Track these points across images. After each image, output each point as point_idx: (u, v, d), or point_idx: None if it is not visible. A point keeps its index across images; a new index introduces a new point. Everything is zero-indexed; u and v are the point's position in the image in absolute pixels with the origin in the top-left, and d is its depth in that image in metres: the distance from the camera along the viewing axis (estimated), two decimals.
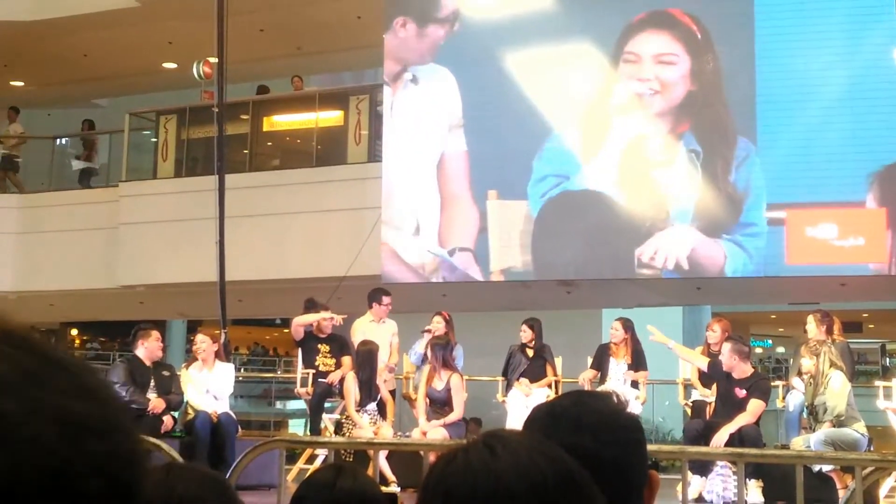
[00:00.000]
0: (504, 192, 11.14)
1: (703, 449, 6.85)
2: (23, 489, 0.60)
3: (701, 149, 10.45)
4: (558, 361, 9.33)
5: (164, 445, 5.15)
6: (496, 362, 9.54)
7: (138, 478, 0.66)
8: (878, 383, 9.68)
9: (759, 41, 10.37)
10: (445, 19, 11.57)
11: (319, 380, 8.83)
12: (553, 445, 1.09)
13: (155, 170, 13.78)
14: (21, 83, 17.00)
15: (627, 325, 9.05)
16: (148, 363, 7.87)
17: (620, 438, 1.35)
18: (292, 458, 8.52)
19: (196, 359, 8.25)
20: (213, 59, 10.70)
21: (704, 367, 8.07)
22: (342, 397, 8.52)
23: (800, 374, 7.99)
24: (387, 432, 8.16)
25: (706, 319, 10.42)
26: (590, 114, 10.94)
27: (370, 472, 5.15)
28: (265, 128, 14.01)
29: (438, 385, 8.28)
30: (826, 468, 7.06)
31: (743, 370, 7.53)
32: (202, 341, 8.28)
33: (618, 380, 8.85)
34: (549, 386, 9.14)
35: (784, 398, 8.67)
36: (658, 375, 9.91)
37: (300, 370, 9.15)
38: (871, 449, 7.56)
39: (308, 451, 8.45)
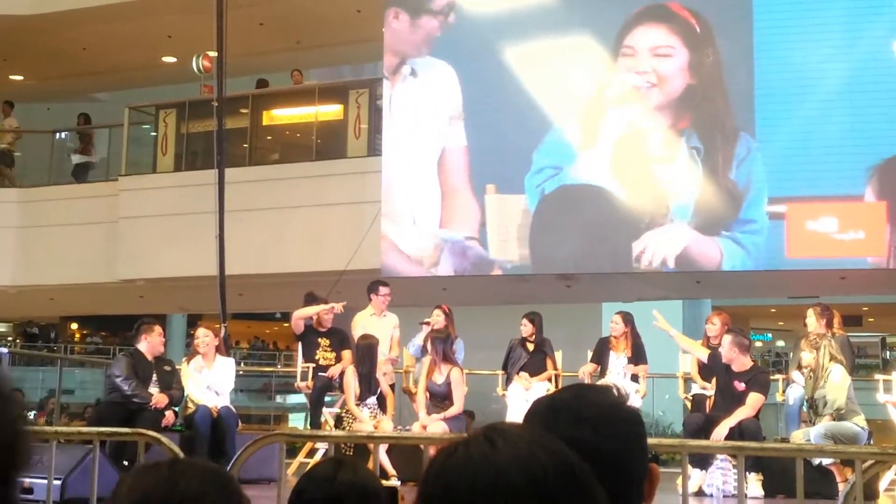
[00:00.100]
0: (502, 187, 11.14)
1: (703, 442, 6.86)
2: None
3: (702, 145, 10.44)
4: (558, 355, 9.33)
5: (164, 439, 5.14)
6: (496, 356, 9.54)
7: (20, 443, 0.65)
8: (878, 377, 9.69)
9: (758, 34, 10.35)
10: (439, 11, 11.54)
11: (319, 374, 8.83)
12: (553, 439, 1.09)
13: (154, 164, 13.78)
14: (20, 77, 16.98)
15: (627, 319, 9.05)
16: (150, 358, 7.85)
17: (620, 431, 1.35)
18: (292, 452, 8.53)
19: (196, 353, 8.22)
20: (213, 53, 10.69)
21: (704, 359, 8.07)
22: (342, 391, 8.52)
23: (800, 367, 7.99)
24: (387, 426, 8.17)
25: (706, 313, 10.43)
26: (589, 108, 10.94)
27: (370, 465, 5.15)
28: (265, 122, 14.00)
29: (438, 379, 8.28)
30: (826, 461, 7.07)
31: (742, 363, 7.53)
32: (204, 335, 8.24)
33: (618, 373, 8.85)
34: (549, 380, 9.14)
35: (784, 392, 8.67)
36: (658, 369, 9.92)
37: (300, 364, 9.15)
38: (871, 442, 7.57)
39: (308, 445, 8.45)
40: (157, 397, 7.61)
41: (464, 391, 8.36)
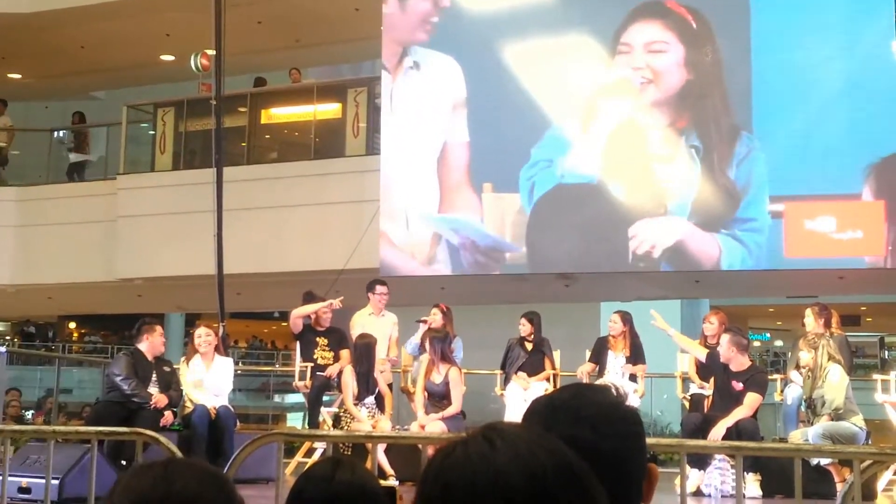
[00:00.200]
0: (499, 185, 11.14)
1: (701, 442, 6.85)
2: None
3: (701, 144, 10.44)
4: (557, 355, 9.33)
5: (162, 439, 5.14)
6: (495, 355, 9.54)
7: None
8: (877, 376, 9.69)
9: (756, 34, 10.36)
10: None
11: (318, 373, 8.82)
12: (552, 438, 1.08)
13: (153, 162, 13.77)
14: (18, 75, 16.97)
15: (626, 319, 9.05)
16: (150, 358, 7.84)
17: (619, 430, 1.34)
18: (291, 452, 8.52)
19: (195, 352, 8.18)
20: (211, 52, 10.68)
21: (703, 358, 8.07)
22: (340, 391, 8.51)
23: (798, 367, 7.99)
24: (385, 426, 8.16)
25: (704, 312, 10.43)
26: (587, 105, 10.94)
27: (368, 465, 5.15)
28: (263, 120, 14.00)
29: (437, 378, 8.27)
30: (824, 461, 7.07)
31: (740, 362, 7.53)
32: (207, 334, 8.21)
33: (616, 373, 8.85)
34: (548, 379, 9.14)
35: (782, 391, 8.67)
36: (656, 369, 9.91)
37: (298, 363, 9.14)
38: (870, 442, 7.57)
39: (306, 445, 8.44)
40: (157, 397, 7.60)
41: (462, 391, 8.35)
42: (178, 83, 15.03)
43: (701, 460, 7.52)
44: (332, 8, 13.57)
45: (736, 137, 10.35)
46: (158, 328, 8.03)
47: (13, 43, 15.02)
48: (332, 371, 8.75)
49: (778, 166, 10.22)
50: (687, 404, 8.78)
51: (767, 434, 9.07)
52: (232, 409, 8.10)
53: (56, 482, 5.98)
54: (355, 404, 8.17)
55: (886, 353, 25.02)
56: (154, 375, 7.76)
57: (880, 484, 7.36)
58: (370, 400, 8.24)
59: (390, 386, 8.94)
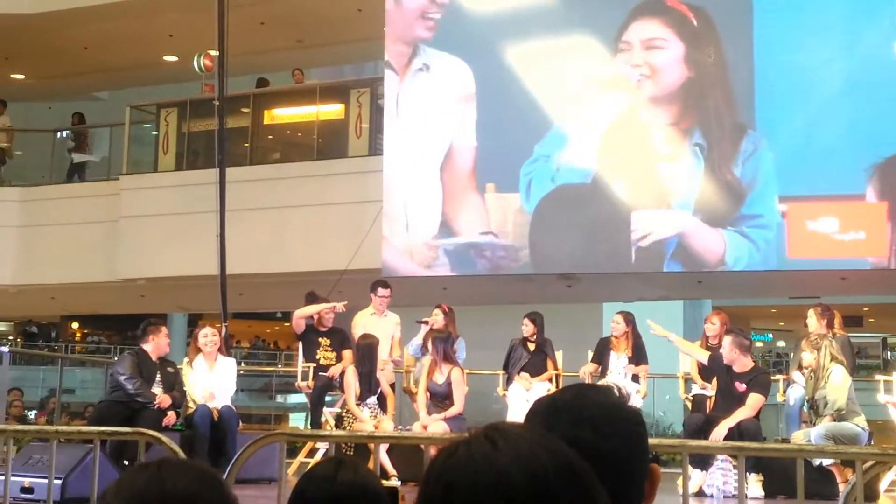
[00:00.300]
0: (502, 185, 11.13)
1: (703, 443, 6.85)
2: None
3: (705, 142, 10.42)
4: (559, 355, 9.33)
5: (164, 439, 5.13)
6: (497, 356, 9.54)
7: None
8: (879, 377, 9.68)
9: (758, 33, 10.35)
10: None
11: (320, 373, 8.82)
12: (554, 438, 1.08)
13: (156, 163, 13.78)
14: (22, 76, 16.99)
15: (629, 319, 9.04)
16: (154, 358, 7.84)
17: (621, 431, 1.34)
18: (293, 452, 8.52)
19: (198, 352, 8.18)
20: (214, 52, 10.68)
21: (705, 361, 8.06)
22: (343, 391, 8.51)
23: (800, 368, 7.99)
24: (387, 426, 8.16)
25: (707, 313, 10.42)
26: (588, 105, 10.92)
27: (371, 465, 5.15)
28: (266, 121, 14.00)
29: (439, 379, 8.27)
30: (826, 462, 7.06)
31: (743, 364, 7.53)
32: (213, 334, 8.19)
33: (618, 374, 8.84)
34: (550, 380, 9.14)
35: (784, 392, 8.67)
36: (658, 369, 9.91)
37: (301, 364, 9.14)
38: (872, 443, 7.56)
39: (309, 445, 8.44)
40: (162, 397, 7.60)
41: (464, 391, 8.35)
42: (181, 84, 15.04)
43: (703, 461, 7.52)
44: (334, 9, 13.58)
45: (741, 135, 10.33)
46: (164, 329, 8.04)
47: (16, 43, 15.03)
48: (334, 371, 8.75)
49: (781, 166, 10.21)
50: (689, 405, 8.77)
51: (770, 435, 9.06)
52: (234, 410, 8.11)
53: (58, 482, 5.98)
54: (357, 404, 8.17)
55: (889, 353, 25.01)
56: (158, 376, 7.77)
57: (883, 484, 7.35)
58: (372, 400, 8.24)
59: (392, 386, 8.93)
